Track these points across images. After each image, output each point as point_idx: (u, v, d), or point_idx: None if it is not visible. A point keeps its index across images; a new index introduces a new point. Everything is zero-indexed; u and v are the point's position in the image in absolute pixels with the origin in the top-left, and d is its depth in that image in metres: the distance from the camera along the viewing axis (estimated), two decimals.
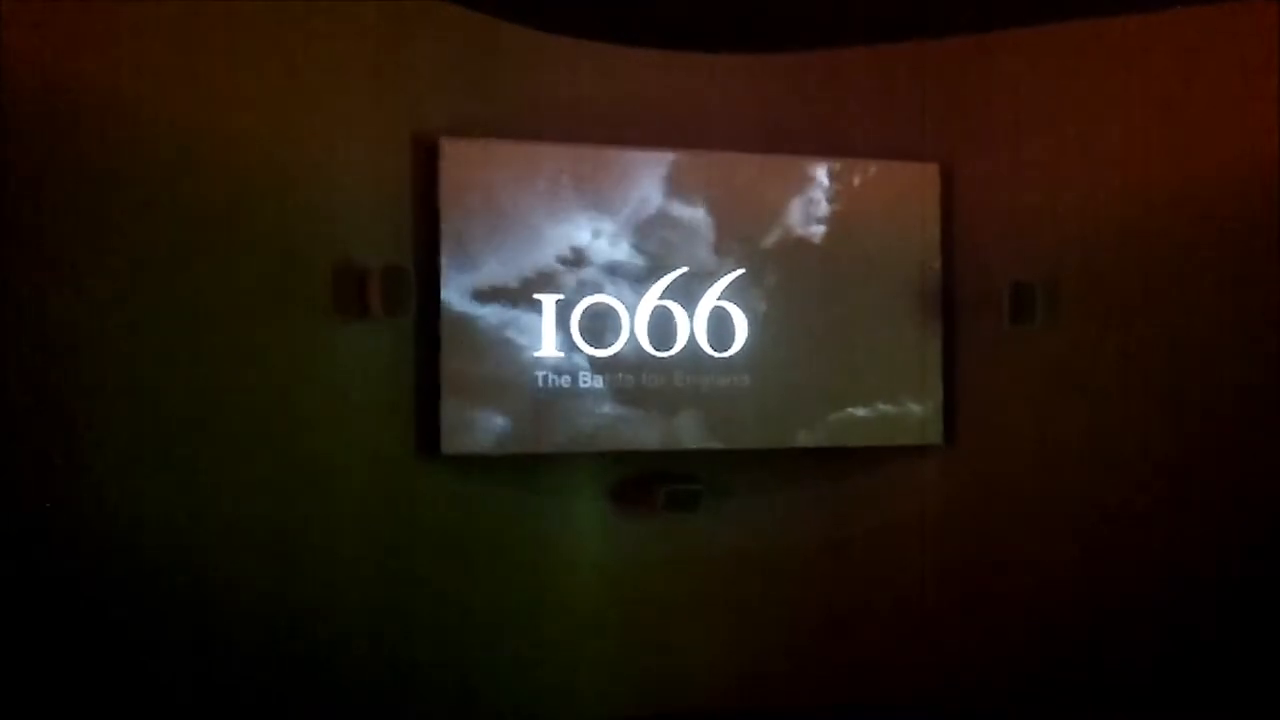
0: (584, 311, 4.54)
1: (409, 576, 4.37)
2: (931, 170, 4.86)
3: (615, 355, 4.58)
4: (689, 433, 4.66)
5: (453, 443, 4.39)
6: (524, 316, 4.49)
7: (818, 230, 4.79)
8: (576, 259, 4.56)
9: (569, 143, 4.58)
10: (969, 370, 4.90)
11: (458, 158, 4.41)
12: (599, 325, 4.56)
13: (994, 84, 4.83)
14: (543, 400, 4.50)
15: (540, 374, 4.51)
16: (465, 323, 4.41)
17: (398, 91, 4.36)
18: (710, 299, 4.67)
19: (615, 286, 4.59)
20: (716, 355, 4.68)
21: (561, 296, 4.52)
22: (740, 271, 4.71)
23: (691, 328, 4.65)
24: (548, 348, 4.51)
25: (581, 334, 4.54)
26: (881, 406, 4.82)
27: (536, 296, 4.50)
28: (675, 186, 4.66)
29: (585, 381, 4.55)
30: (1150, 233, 4.52)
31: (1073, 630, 4.62)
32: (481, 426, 4.43)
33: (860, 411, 4.81)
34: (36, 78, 3.62)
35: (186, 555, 3.92)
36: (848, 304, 4.81)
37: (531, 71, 4.61)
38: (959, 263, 4.90)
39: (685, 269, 4.66)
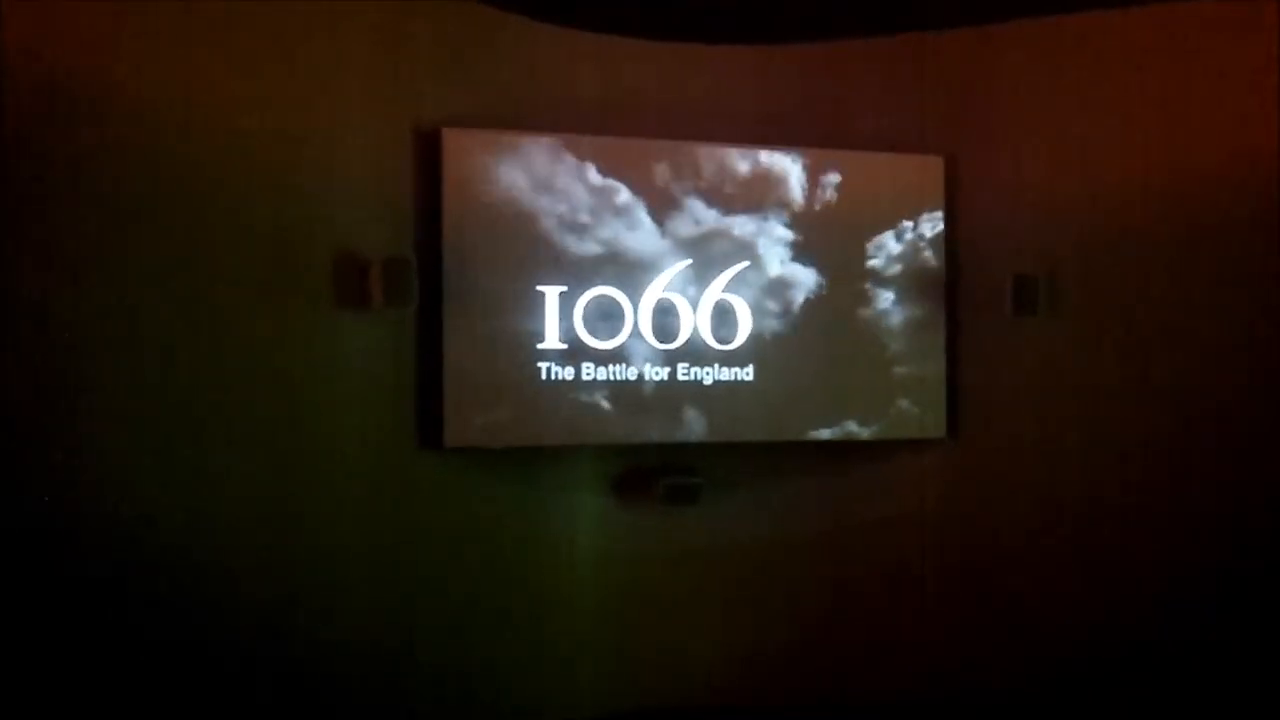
0: (587, 304, 4.53)
1: (410, 569, 4.38)
2: (936, 163, 4.86)
3: (618, 348, 4.58)
4: (691, 426, 4.67)
5: (455, 435, 4.38)
6: (526, 308, 4.47)
7: (821, 223, 4.77)
8: (579, 251, 4.54)
9: (571, 134, 4.55)
10: (972, 364, 4.91)
11: (460, 148, 4.38)
12: (602, 318, 4.55)
13: (996, 77, 4.82)
14: (545, 393, 4.50)
15: (543, 366, 4.50)
16: (467, 314, 4.40)
17: (399, 82, 4.33)
18: (714, 292, 4.67)
19: (618, 279, 4.58)
20: (719, 348, 4.68)
21: (564, 288, 4.51)
22: (744, 264, 4.70)
23: (695, 320, 4.65)
24: (550, 340, 4.50)
25: (584, 326, 4.53)
26: (884, 400, 4.83)
27: (539, 288, 4.49)
28: (678, 178, 4.64)
29: (588, 374, 4.54)
30: (1152, 226, 4.52)
31: (1073, 626, 4.64)
32: (484, 419, 4.43)
33: (862, 405, 4.82)
34: (36, 75, 3.59)
35: (188, 549, 3.93)
36: (850, 297, 4.81)
37: (534, 63, 4.58)
38: (962, 256, 4.91)
39: (689, 261, 4.65)
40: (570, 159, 4.52)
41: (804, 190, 4.76)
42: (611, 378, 4.57)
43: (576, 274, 4.54)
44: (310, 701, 4.15)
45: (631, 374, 4.60)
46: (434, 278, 4.35)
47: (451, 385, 4.37)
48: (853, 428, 4.81)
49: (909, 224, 4.85)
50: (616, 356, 4.58)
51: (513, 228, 4.46)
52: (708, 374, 4.67)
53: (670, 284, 4.63)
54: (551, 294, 4.50)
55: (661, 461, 4.75)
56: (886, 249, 4.84)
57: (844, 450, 4.89)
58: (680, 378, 4.64)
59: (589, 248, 4.55)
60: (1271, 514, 4.26)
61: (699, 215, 4.67)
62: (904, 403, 4.85)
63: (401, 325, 4.34)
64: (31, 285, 3.65)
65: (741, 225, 4.71)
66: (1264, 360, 4.31)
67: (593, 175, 4.55)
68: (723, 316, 4.69)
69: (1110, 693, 4.56)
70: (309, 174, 4.15)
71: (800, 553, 4.91)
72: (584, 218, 4.54)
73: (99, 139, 3.73)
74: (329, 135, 4.20)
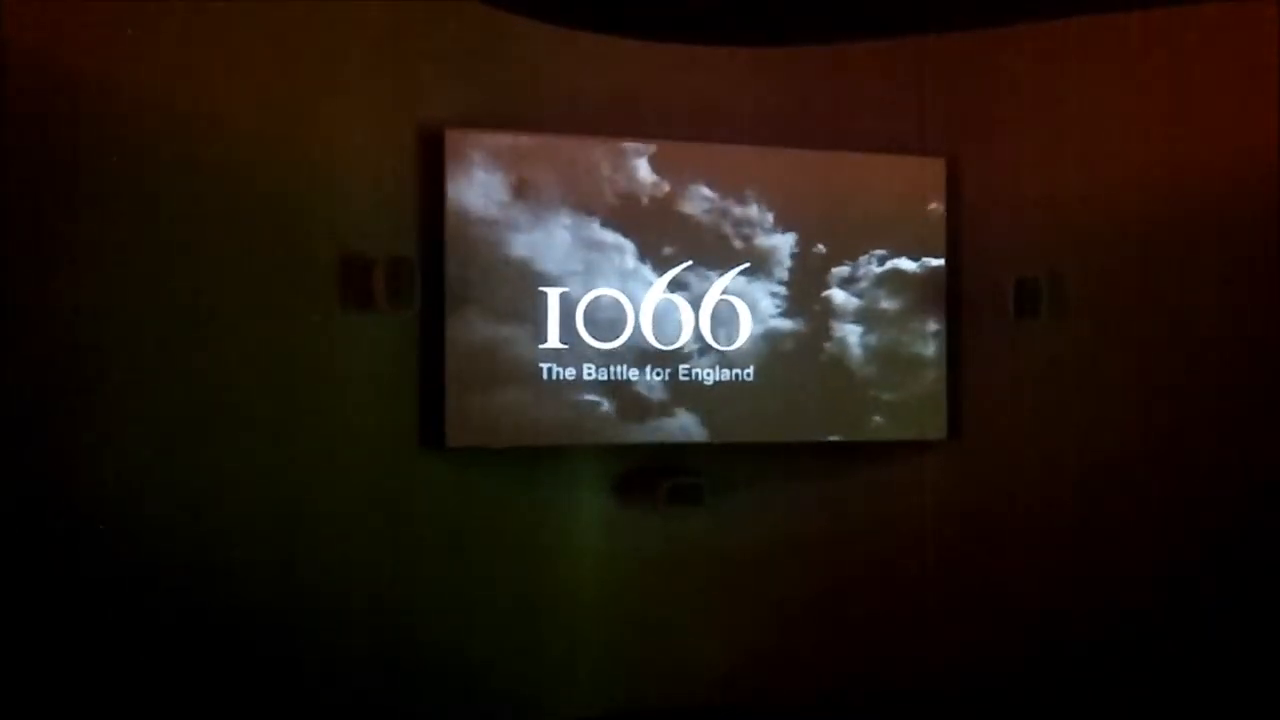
0: (588, 304, 4.52)
1: (412, 569, 4.38)
2: (937, 165, 4.85)
3: (619, 348, 4.56)
4: (692, 426, 4.65)
5: (457, 436, 4.37)
6: (528, 309, 4.46)
7: (822, 225, 4.76)
8: (581, 251, 4.53)
9: (574, 134, 4.54)
10: (973, 365, 4.90)
11: (462, 149, 4.37)
12: (603, 318, 4.54)
13: (998, 79, 4.81)
14: (546, 393, 4.49)
15: (544, 366, 4.49)
16: (469, 315, 4.39)
17: (401, 82, 4.32)
18: (715, 293, 4.66)
19: (620, 279, 4.57)
20: (721, 349, 4.67)
21: (566, 289, 4.50)
22: (745, 265, 4.69)
23: (696, 321, 4.64)
24: (552, 340, 4.49)
25: (586, 327, 4.52)
26: (885, 401, 4.82)
27: (541, 289, 4.48)
28: (680, 179, 4.63)
29: (589, 374, 4.54)
30: (1153, 228, 4.53)
31: (1075, 628, 4.65)
32: (486, 419, 4.42)
33: (864, 406, 4.81)
34: (37, 72, 3.60)
35: (189, 549, 3.94)
36: (852, 298, 4.81)
37: (536, 63, 4.55)
38: (963, 258, 4.90)
39: (690, 262, 4.64)
40: (572, 159, 4.51)
41: (806, 192, 4.74)
42: (612, 378, 4.56)
43: (578, 275, 4.52)
44: (311, 700, 4.15)
45: (633, 374, 4.59)
46: (436, 278, 4.34)
47: (453, 385, 4.36)
48: (853, 428, 4.80)
49: (910, 226, 4.83)
50: (618, 357, 4.57)
51: (514, 228, 4.44)
52: (709, 375, 4.67)
53: (671, 285, 4.61)
54: (553, 295, 4.49)
55: (661, 462, 4.74)
56: (888, 250, 4.83)
57: (844, 451, 4.87)
58: (681, 378, 4.64)
59: (590, 248, 4.53)
60: (1272, 514, 4.28)
61: (702, 217, 4.64)
62: (905, 405, 4.83)
63: (404, 325, 4.33)
64: (31, 285, 3.65)
65: (744, 226, 4.68)
66: (1265, 360, 4.33)
67: (594, 176, 4.52)
68: (724, 317, 4.67)
69: (1110, 692, 4.57)
70: (311, 174, 4.14)
71: (801, 553, 4.89)
72: (585, 218, 4.53)
73: (99, 139, 3.72)
74: (331, 135, 4.18)
